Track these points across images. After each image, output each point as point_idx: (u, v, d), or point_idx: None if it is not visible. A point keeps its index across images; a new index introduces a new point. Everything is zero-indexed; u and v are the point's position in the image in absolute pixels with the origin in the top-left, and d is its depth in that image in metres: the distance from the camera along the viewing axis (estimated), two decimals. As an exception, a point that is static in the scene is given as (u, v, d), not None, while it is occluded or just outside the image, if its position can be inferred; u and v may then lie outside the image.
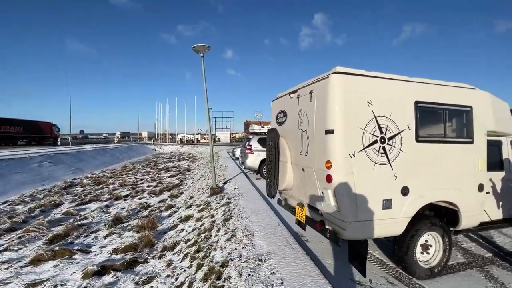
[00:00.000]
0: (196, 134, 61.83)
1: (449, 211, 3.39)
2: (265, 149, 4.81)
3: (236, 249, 3.83)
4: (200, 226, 5.52)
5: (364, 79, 2.86)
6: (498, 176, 3.73)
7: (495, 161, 3.74)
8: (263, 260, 3.38)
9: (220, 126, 59.25)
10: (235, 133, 63.61)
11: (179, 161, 23.30)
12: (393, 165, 2.90)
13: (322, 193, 3.00)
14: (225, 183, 9.45)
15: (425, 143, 3.07)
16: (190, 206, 7.58)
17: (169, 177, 14.49)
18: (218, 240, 4.41)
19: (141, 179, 13.56)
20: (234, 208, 5.98)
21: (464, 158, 3.28)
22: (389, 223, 2.92)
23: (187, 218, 6.42)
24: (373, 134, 2.83)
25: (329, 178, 2.78)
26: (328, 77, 2.83)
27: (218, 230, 4.81)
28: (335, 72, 2.79)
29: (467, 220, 3.34)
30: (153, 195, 9.92)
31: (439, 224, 3.24)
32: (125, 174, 15.34)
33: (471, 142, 3.32)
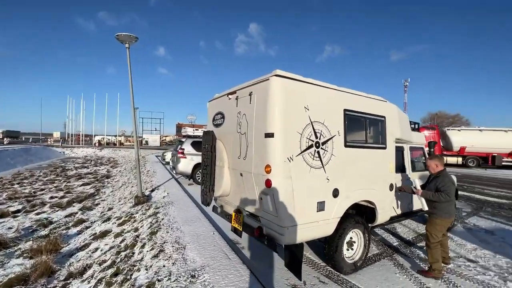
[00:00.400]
0: (120, 135, 55.11)
1: (367, 209, 3.80)
2: (199, 153, 4.47)
3: (164, 266, 3.37)
4: (120, 242, 4.72)
5: (302, 85, 2.92)
6: (402, 177, 4.42)
7: (399, 164, 4.43)
8: (196, 276, 3.05)
9: (148, 127, 54.40)
10: (166, 136, 59.36)
11: (96, 166, 20.11)
12: (326, 168, 3.04)
13: (261, 198, 2.90)
14: (152, 190, 8.52)
15: (351, 148, 3.35)
16: (108, 219, 6.47)
17: (81, 185, 12.24)
18: (142, 258, 3.81)
19: (42, 189, 11.01)
20: (163, 219, 5.37)
21: (379, 161, 3.74)
22: (323, 225, 3.04)
23: (104, 234, 5.43)
24: (309, 139, 2.90)
25: (268, 183, 2.70)
26: (268, 79, 2.77)
27: (143, 246, 4.19)
28: (276, 75, 2.75)
29: (382, 216, 3.82)
30: (57, 209, 8.11)
31: (361, 222, 3.57)
32: (18, 183, 12.20)
33: (385, 148, 3.82)
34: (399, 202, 4.27)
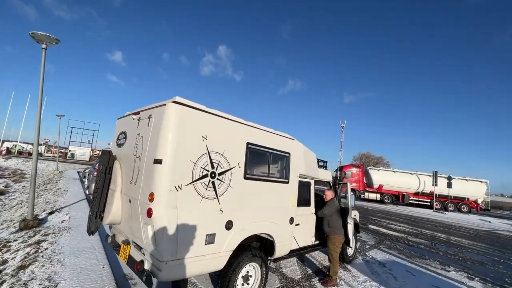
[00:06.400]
0: (42, 144, 47.24)
1: (267, 242, 3.86)
2: None
3: (14, 311, 2.72)
4: (-28, 279, 3.72)
5: (203, 114, 2.95)
6: (306, 211, 4.70)
7: (305, 198, 4.74)
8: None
9: (78, 139, 47.99)
10: (99, 150, 53.00)
11: (-8, 179, 16.43)
12: (221, 199, 3.02)
13: (144, 228, 2.68)
14: (52, 212, 7.24)
15: (252, 180, 3.45)
16: (-27, 248, 5.13)
17: (-43, 202, 9.70)
18: (-9, 300, 3.04)
19: None
20: (46, 249, 4.52)
21: (281, 195, 3.93)
22: (211, 259, 2.93)
23: (-45, 268, 4.23)
24: (204, 168, 2.88)
25: (149, 212, 2.52)
26: (165, 104, 2.73)
27: (1, 284, 3.37)
28: (174, 102, 2.73)
29: (280, 249, 3.91)
30: None
31: (258, 255, 3.57)
32: None
33: (287, 182, 4.05)
34: (299, 236, 4.47)
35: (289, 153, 4.11)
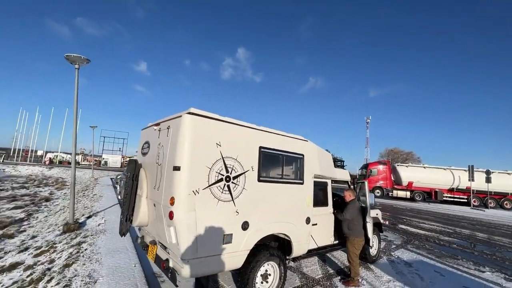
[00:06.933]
0: (78, 154, 51.17)
1: (285, 242, 3.98)
2: None
3: (61, 303, 3.12)
4: (27, 276, 4.27)
5: (215, 122, 3.16)
6: (323, 211, 4.74)
7: (322, 198, 4.78)
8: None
9: (110, 147, 51.37)
10: (130, 157, 56.26)
11: (39, 187, 18.23)
12: (236, 202, 3.21)
13: (167, 230, 2.94)
14: (89, 217, 7.94)
15: (266, 183, 3.60)
16: (26, 249, 5.84)
17: (12, 209, 10.95)
18: (43, 294, 3.49)
19: (-41, 212, 9.62)
20: (86, 249, 5.02)
21: (296, 196, 4.02)
22: (229, 257, 3.12)
23: (13, 266, 4.87)
24: (219, 173, 3.09)
25: (171, 215, 2.77)
26: (181, 116, 2.98)
27: (50, 280, 3.85)
28: (189, 113, 2.97)
29: (298, 249, 4.00)
30: (-30, 236, 7.11)
31: (276, 254, 3.71)
32: None
33: (302, 183, 4.14)
34: (317, 236, 4.52)
35: (302, 155, 4.20)
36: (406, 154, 59.85)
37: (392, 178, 26.04)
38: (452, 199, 23.72)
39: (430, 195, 24.45)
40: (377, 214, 5.94)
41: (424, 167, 25.80)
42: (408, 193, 24.81)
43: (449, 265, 5.95)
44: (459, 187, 23.53)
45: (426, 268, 5.60)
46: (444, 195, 23.92)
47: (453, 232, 10.35)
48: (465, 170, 23.34)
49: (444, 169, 24.76)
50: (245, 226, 3.26)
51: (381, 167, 26.36)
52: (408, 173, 25.10)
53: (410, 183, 24.69)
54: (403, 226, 10.71)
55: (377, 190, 25.53)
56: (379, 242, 5.96)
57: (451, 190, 23.93)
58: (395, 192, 25.22)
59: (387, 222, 11.33)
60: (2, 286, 4.21)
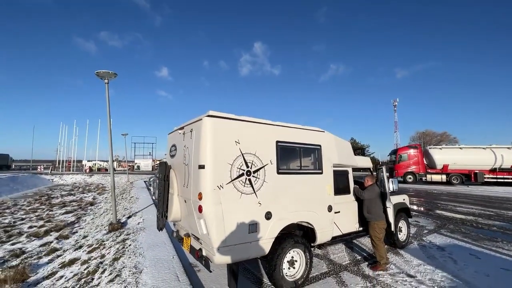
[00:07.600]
0: (114, 160, 54.91)
1: (309, 229, 4.15)
2: None
3: (115, 290, 3.61)
4: (84, 269, 4.92)
5: (233, 122, 3.41)
6: (345, 199, 4.82)
7: (343, 186, 4.86)
8: (141, 297, 3.31)
9: (141, 152, 54.50)
10: (159, 160, 59.31)
11: (83, 193, 20.07)
12: (258, 194, 3.45)
13: (198, 222, 3.27)
14: (129, 217, 8.72)
15: (285, 175, 3.79)
16: (80, 247, 6.63)
17: (64, 213, 12.29)
18: (99, 283, 4.05)
19: (22, 219, 11.04)
20: (130, 245, 5.60)
21: (315, 185, 4.16)
22: (255, 245, 3.38)
23: (72, 262, 5.60)
24: (240, 168, 3.34)
25: (200, 209, 3.09)
26: (201, 119, 3.27)
27: (103, 272, 4.42)
28: (208, 116, 3.25)
29: (322, 236, 4.16)
30: (34, 238, 8.21)
31: (301, 241, 3.90)
32: (-1, 213, 12.20)
33: (321, 173, 4.26)
34: (341, 223, 4.62)
35: (319, 145, 4.31)
36: (440, 135, 56.10)
37: (425, 162, 24.70)
38: (496, 180, 21.99)
39: (469, 177, 22.86)
40: (404, 200, 5.86)
41: (460, 148, 24.15)
42: (444, 177, 23.42)
43: (487, 247, 5.71)
44: (502, 167, 21.73)
45: (460, 252, 5.44)
46: (485, 176, 22.24)
47: (494, 214, 9.73)
48: (508, 148, 21.49)
49: (484, 148, 22.96)
50: (268, 216, 3.49)
51: (411, 151, 25.11)
52: (442, 156, 23.66)
53: (445, 166, 23.28)
54: (437, 211, 10.28)
55: (409, 176, 24.39)
56: (408, 227, 5.88)
57: (493, 171, 22.18)
58: (428, 176, 23.94)
59: (415, 207, 10.94)
60: (65, 278, 4.90)
